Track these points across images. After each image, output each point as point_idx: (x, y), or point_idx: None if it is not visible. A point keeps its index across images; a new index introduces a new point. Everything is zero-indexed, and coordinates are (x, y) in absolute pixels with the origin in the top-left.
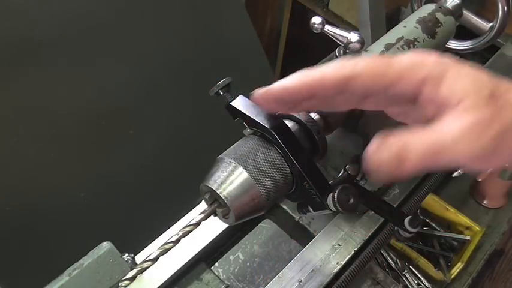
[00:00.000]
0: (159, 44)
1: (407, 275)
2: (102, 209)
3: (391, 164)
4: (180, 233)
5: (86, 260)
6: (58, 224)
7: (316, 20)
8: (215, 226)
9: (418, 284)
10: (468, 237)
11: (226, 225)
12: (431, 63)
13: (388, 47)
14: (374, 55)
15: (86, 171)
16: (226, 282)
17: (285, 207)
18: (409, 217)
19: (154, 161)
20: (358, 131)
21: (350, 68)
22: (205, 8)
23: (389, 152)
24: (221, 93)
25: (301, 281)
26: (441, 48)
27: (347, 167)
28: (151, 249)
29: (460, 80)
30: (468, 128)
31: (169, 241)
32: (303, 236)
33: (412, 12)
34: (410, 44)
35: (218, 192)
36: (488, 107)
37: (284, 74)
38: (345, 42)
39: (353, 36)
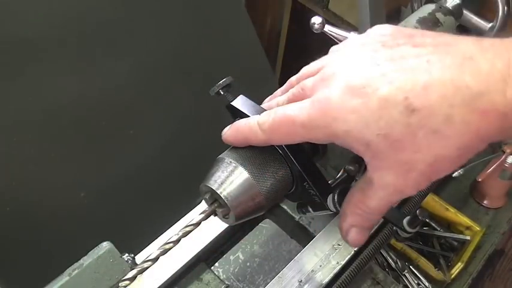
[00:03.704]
0: (158, 44)
1: (407, 275)
2: (102, 209)
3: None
4: (180, 233)
5: (86, 260)
6: (58, 224)
7: (316, 20)
8: (215, 226)
9: (418, 284)
10: (468, 237)
11: (226, 225)
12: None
13: None
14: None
15: (86, 171)
16: (226, 282)
17: (285, 207)
18: (407, 217)
19: (154, 161)
20: None
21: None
22: (205, 8)
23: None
24: (221, 92)
25: (301, 281)
26: None
27: (347, 167)
28: (151, 249)
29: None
30: None
31: (169, 241)
32: (303, 236)
33: (412, 12)
34: None
35: (218, 192)
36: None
37: (284, 74)
38: None
39: (353, 36)
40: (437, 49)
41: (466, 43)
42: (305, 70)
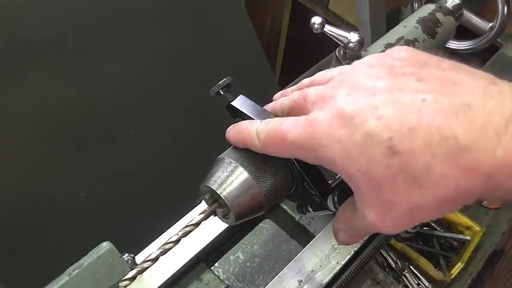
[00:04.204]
0: (158, 44)
1: (407, 275)
2: (102, 209)
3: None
4: (180, 233)
5: (86, 260)
6: (58, 224)
7: (316, 20)
8: (215, 226)
9: (418, 284)
10: (468, 237)
11: (226, 225)
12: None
13: (388, 47)
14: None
15: (85, 171)
16: (226, 282)
17: (285, 207)
18: None
19: (154, 161)
20: None
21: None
22: (205, 8)
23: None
24: (221, 92)
25: (301, 281)
26: (441, 48)
27: None
28: (151, 249)
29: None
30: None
31: (169, 241)
32: (303, 236)
33: (412, 12)
34: (410, 44)
35: (218, 193)
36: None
37: (284, 74)
38: (345, 42)
39: (353, 37)
40: (439, 87)
41: (472, 85)
42: (319, 76)
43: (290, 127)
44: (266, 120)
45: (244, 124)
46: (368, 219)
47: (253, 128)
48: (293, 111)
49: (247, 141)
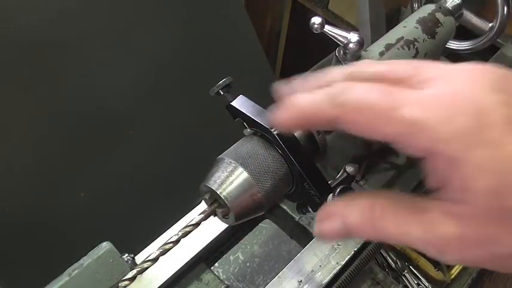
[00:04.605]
0: (159, 44)
1: (407, 275)
2: (102, 209)
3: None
4: (180, 233)
5: (85, 260)
6: (58, 224)
7: (316, 20)
8: (215, 226)
9: (418, 284)
10: None
11: (226, 226)
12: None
13: (388, 47)
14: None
15: (86, 172)
16: (226, 283)
17: (285, 207)
18: None
19: (154, 161)
20: None
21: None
22: (205, 8)
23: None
24: (221, 93)
25: (301, 281)
26: (441, 48)
27: (347, 167)
28: (151, 249)
29: (477, 174)
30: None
31: (169, 241)
32: (303, 236)
33: (412, 12)
34: (410, 44)
35: (218, 193)
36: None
37: (284, 74)
38: (345, 42)
39: (353, 37)
40: None
41: None
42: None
43: (403, 100)
44: (340, 83)
45: (300, 96)
46: (439, 235)
47: (321, 94)
48: (384, 81)
49: (312, 109)
